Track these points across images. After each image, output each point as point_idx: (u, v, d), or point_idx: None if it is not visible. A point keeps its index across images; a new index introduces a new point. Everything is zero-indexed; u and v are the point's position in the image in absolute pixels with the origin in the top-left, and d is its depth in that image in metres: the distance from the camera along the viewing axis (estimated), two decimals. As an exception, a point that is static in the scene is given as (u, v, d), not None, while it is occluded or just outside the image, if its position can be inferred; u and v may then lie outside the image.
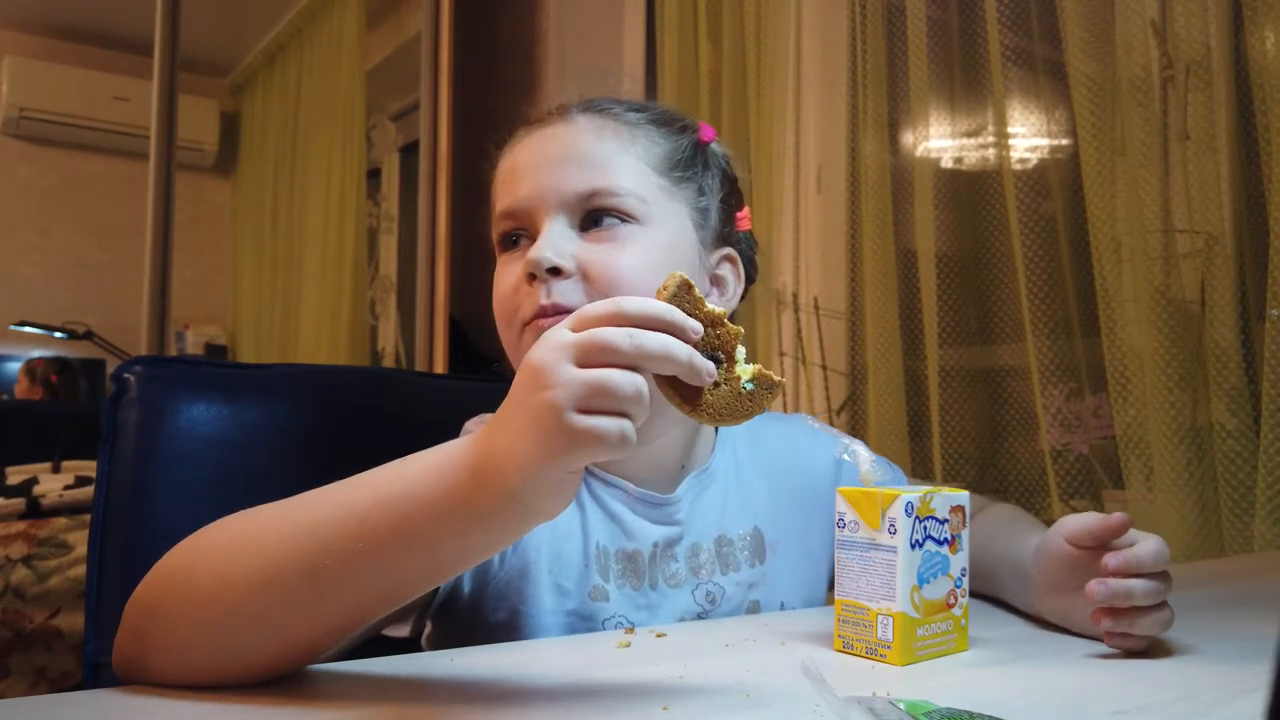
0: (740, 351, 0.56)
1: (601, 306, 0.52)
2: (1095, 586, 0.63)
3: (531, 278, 0.74)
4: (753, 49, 1.87)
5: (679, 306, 0.54)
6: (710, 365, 0.53)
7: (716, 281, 0.84)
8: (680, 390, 0.54)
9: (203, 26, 3.36)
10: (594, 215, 0.76)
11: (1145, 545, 0.65)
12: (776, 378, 0.56)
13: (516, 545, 0.76)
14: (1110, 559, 0.64)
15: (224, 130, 4.09)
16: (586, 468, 0.79)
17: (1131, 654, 0.65)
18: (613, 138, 0.79)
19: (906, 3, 1.62)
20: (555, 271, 0.74)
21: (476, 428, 0.80)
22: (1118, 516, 0.66)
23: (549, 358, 0.50)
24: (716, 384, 0.54)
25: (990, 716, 0.48)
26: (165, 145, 2.48)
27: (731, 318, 0.78)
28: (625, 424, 0.49)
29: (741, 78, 1.90)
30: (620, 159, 0.78)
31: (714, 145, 0.86)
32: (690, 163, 0.82)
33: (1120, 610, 0.64)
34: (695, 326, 0.52)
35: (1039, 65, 1.49)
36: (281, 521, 0.54)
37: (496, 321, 0.80)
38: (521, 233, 0.79)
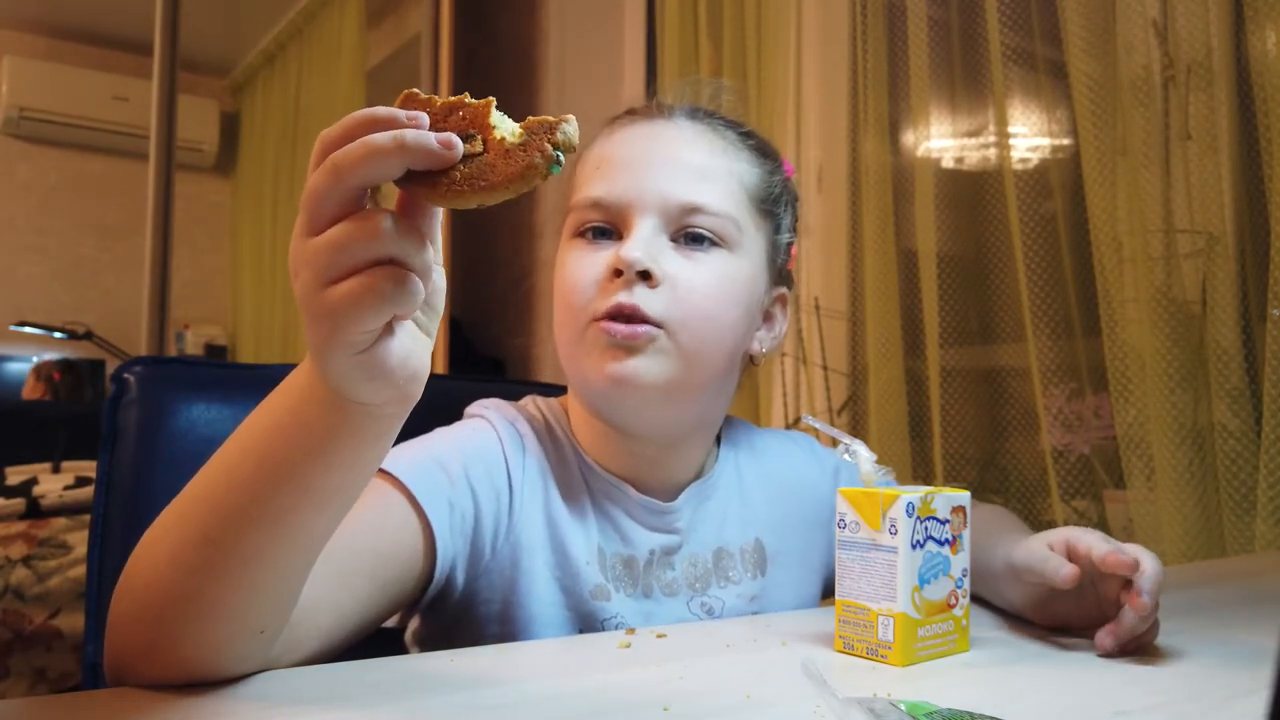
0: (501, 117, 0.46)
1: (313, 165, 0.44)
2: (1104, 641, 0.64)
3: (617, 274, 0.73)
4: (753, 49, 1.86)
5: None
6: (447, 137, 0.43)
7: (768, 318, 0.83)
8: (435, 184, 0.45)
9: (203, 26, 3.36)
10: (689, 230, 0.75)
11: (1149, 573, 0.64)
12: (556, 118, 0.45)
13: (508, 534, 0.75)
14: (1140, 602, 0.63)
15: (224, 130, 4.09)
16: (586, 469, 0.79)
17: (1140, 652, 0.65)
18: (720, 154, 0.78)
19: (907, 2, 1.61)
20: (644, 275, 0.72)
21: (480, 411, 0.80)
22: (1065, 576, 0.65)
23: (291, 247, 0.44)
24: (469, 157, 0.44)
25: (991, 717, 0.48)
26: (165, 145, 2.48)
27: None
28: (386, 270, 0.42)
29: (741, 78, 1.89)
30: (724, 178, 0.77)
31: (790, 182, 0.86)
32: (778, 199, 0.82)
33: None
34: (412, 114, 0.43)
35: (1040, 65, 1.49)
36: (177, 500, 0.53)
37: (557, 310, 0.77)
38: (608, 227, 0.76)
